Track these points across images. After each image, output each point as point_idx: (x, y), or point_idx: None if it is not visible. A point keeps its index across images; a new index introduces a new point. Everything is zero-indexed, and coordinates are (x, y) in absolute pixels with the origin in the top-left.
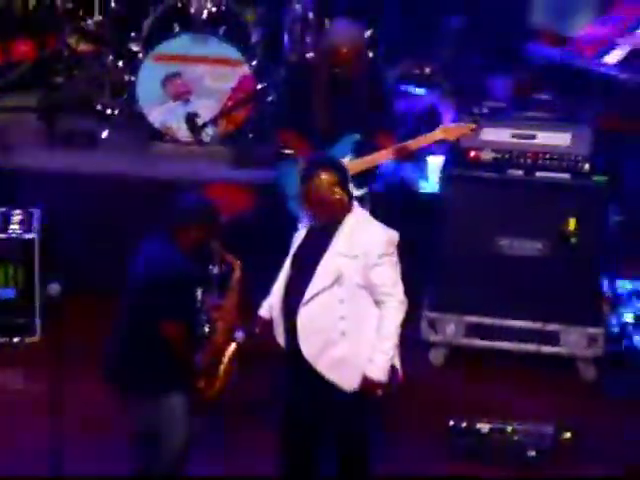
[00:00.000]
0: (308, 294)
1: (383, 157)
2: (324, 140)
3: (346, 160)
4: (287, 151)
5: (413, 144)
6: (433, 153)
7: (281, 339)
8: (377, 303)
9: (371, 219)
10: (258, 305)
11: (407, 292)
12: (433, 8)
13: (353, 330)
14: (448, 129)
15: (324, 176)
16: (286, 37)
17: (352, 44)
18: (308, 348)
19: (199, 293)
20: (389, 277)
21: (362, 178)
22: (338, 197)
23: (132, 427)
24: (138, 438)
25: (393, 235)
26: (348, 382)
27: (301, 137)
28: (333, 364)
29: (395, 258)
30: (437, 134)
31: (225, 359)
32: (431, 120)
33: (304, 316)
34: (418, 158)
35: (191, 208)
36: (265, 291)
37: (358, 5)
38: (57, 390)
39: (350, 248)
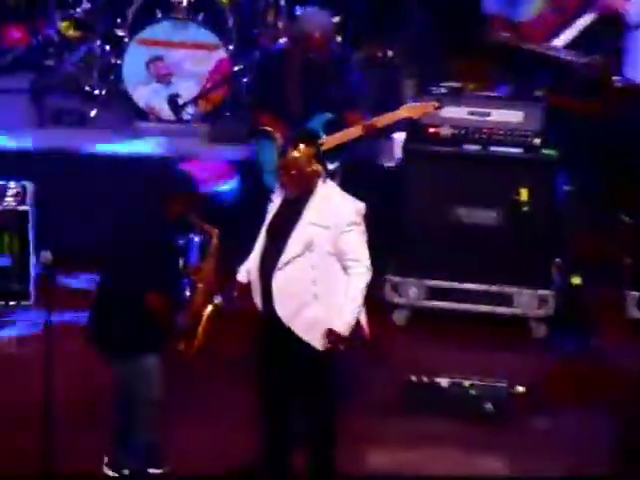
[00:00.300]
0: (282, 260)
1: (352, 134)
2: (298, 119)
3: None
4: (263, 129)
5: (379, 121)
6: (397, 130)
7: (258, 302)
8: (345, 269)
9: (341, 191)
10: (235, 271)
11: (372, 258)
12: None
13: (324, 293)
14: (412, 108)
15: (303, 149)
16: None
17: (322, 30)
18: (283, 310)
19: (180, 260)
20: (356, 245)
21: (334, 153)
22: (315, 169)
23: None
24: (118, 394)
25: (361, 206)
26: (320, 341)
27: (276, 117)
28: (306, 325)
29: (362, 227)
30: (402, 112)
31: (204, 321)
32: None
33: (279, 280)
34: (384, 135)
35: (172, 181)
36: (242, 258)
37: None
38: (49, 349)
39: (321, 218)
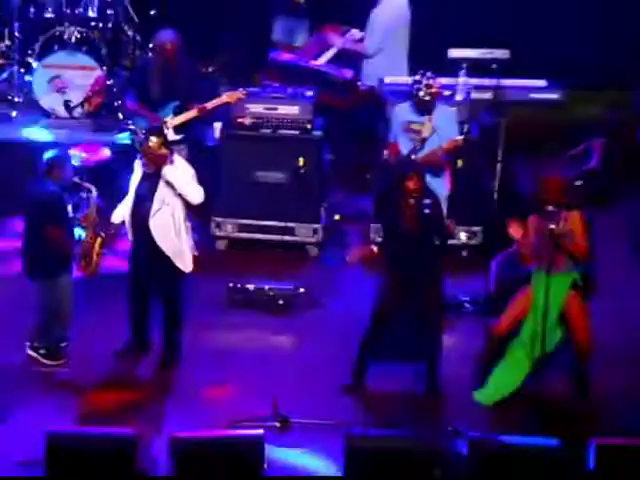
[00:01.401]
0: (154, 209)
1: (192, 114)
2: (156, 105)
3: (169, 117)
4: (129, 121)
5: (209, 105)
6: (216, 120)
7: (130, 235)
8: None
9: (178, 157)
10: (109, 215)
11: (201, 206)
12: (214, 26)
13: (181, 228)
14: (229, 95)
15: (154, 140)
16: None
17: (172, 43)
18: (160, 240)
19: (70, 209)
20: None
21: (180, 128)
22: (163, 152)
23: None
24: (43, 306)
25: (190, 168)
26: (181, 261)
27: (142, 105)
28: (170, 245)
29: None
30: (223, 98)
31: (96, 247)
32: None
33: (155, 221)
34: (212, 119)
35: (57, 157)
36: (113, 207)
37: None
38: None
39: (171, 179)
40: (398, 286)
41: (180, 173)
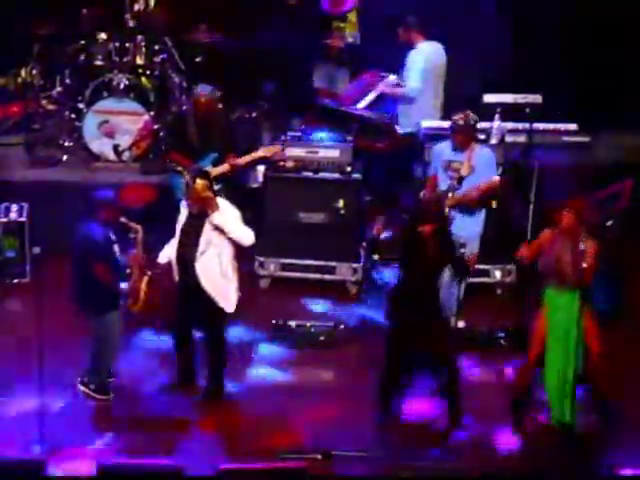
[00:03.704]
0: (199, 251)
1: (224, 169)
2: (196, 157)
3: (208, 168)
4: (175, 165)
5: (241, 161)
6: (260, 164)
7: (176, 276)
8: (233, 244)
9: (223, 200)
10: (157, 255)
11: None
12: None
13: (227, 269)
14: (266, 149)
15: (199, 182)
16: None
17: (207, 97)
18: (206, 281)
19: (116, 248)
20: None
21: (218, 178)
22: (207, 195)
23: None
24: (93, 341)
25: (236, 210)
26: (225, 302)
27: (183, 156)
28: (216, 288)
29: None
30: (259, 153)
31: (142, 286)
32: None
33: (201, 263)
34: (249, 168)
35: (104, 199)
36: (160, 247)
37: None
38: (39, 310)
39: (220, 224)
40: (408, 325)
41: (228, 217)
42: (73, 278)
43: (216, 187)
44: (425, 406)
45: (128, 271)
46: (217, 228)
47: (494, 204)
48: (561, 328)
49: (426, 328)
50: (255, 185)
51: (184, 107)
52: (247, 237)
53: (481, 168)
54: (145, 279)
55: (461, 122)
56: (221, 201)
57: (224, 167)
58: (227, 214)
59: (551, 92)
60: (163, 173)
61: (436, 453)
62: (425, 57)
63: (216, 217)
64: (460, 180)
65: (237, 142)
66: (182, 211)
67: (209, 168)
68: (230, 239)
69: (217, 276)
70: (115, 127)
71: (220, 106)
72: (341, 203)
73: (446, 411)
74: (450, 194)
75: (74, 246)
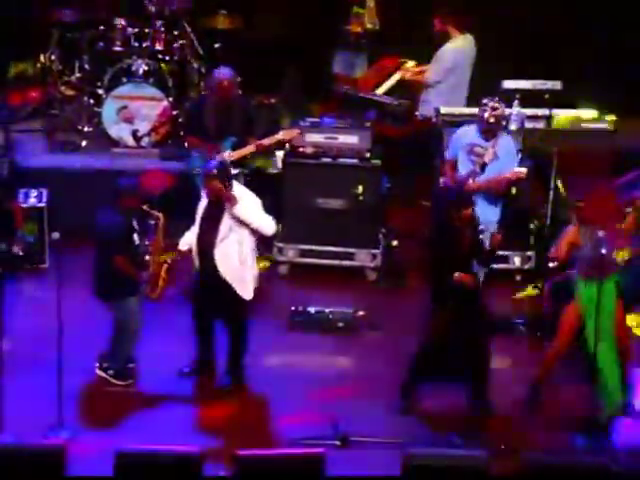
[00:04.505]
0: (219, 238)
1: (249, 150)
2: (215, 141)
3: (227, 152)
4: (194, 150)
5: (266, 142)
6: (278, 149)
7: (196, 262)
8: (254, 232)
9: (243, 188)
10: (177, 242)
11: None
12: (275, 59)
13: (245, 255)
14: (285, 132)
15: (214, 181)
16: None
17: (228, 81)
18: (224, 268)
19: (136, 236)
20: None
21: (237, 163)
22: (225, 192)
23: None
24: (113, 327)
25: (256, 198)
26: (242, 290)
27: (201, 140)
28: (233, 276)
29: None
30: (279, 136)
31: (162, 273)
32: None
33: (220, 250)
34: (270, 151)
35: (126, 187)
36: (181, 234)
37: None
38: (59, 296)
39: (242, 216)
40: (452, 314)
41: (248, 207)
42: (93, 265)
43: (235, 171)
44: (448, 393)
45: (147, 258)
46: (240, 221)
47: (514, 190)
48: (606, 329)
49: (467, 315)
50: (274, 171)
51: (203, 92)
52: (268, 226)
53: (503, 156)
54: (164, 266)
55: (492, 120)
56: (241, 189)
57: (250, 148)
58: (247, 204)
59: (571, 78)
60: (182, 159)
61: (455, 439)
62: (454, 56)
63: (235, 210)
64: (483, 166)
65: (256, 126)
66: (202, 198)
67: (229, 151)
68: (251, 229)
69: (235, 262)
70: (134, 112)
71: (240, 91)
72: (360, 189)
73: (471, 397)
74: (471, 180)
75: (94, 234)
